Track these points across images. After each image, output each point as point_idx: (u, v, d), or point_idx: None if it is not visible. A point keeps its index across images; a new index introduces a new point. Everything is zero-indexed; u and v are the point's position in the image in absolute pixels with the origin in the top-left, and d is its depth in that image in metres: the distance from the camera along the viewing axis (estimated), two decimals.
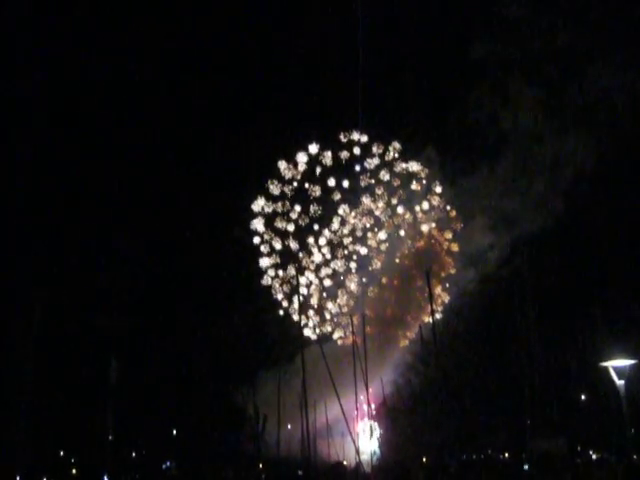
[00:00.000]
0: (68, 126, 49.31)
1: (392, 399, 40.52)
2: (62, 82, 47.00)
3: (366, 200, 51.03)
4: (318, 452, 38.12)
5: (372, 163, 51.19)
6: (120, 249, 44.93)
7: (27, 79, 43.37)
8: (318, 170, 51.20)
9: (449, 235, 50.41)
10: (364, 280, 51.01)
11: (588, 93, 37.42)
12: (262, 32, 53.95)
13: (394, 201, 51.05)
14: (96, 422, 35.02)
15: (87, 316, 41.14)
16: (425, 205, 50.78)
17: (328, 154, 51.17)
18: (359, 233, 51.41)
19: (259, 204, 51.12)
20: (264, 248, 51.13)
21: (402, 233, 51.01)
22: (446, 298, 49.52)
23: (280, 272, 51.03)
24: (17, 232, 41.57)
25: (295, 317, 48.16)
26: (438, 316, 41.94)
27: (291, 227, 51.09)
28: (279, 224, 51.12)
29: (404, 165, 51.21)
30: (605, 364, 15.99)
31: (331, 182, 50.94)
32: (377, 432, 38.46)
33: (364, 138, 51.20)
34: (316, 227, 51.10)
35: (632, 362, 15.83)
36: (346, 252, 51.29)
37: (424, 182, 51.01)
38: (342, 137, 51.23)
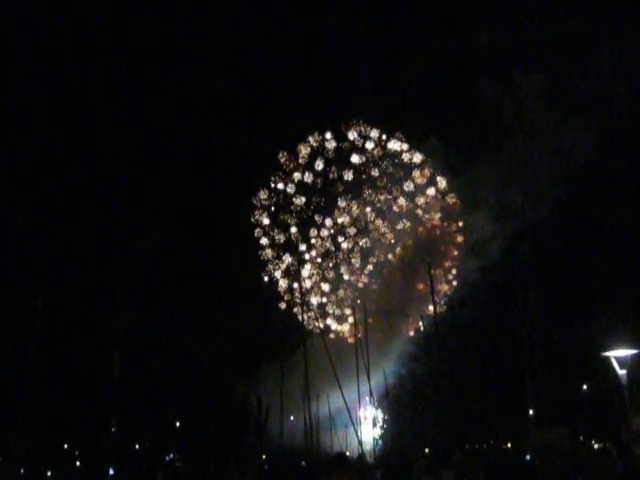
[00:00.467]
0: (68, 123, 49.27)
1: (395, 390, 40.62)
2: (62, 82, 46.93)
3: (368, 191, 50.98)
4: (321, 443, 38.24)
5: (375, 154, 51.10)
6: (123, 244, 44.98)
7: (27, 79, 43.33)
8: (320, 163, 51.12)
9: (453, 226, 50.35)
10: (366, 271, 51.03)
11: (592, 81, 37.14)
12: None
13: (396, 192, 50.99)
14: (99, 415, 35.17)
15: (90, 310, 41.26)
16: (429, 194, 50.65)
17: (330, 145, 51.08)
18: (361, 224, 51.39)
19: (261, 197, 51.14)
20: (265, 240, 51.14)
21: (404, 224, 50.96)
22: (448, 289, 49.56)
23: (282, 265, 51.09)
24: (18, 230, 41.64)
25: (297, 309, 48.21)
26: (440, 308, 42.01)
27: (293, 220, 51.11)
28: (281, 216, 51.14)
29: (407, 155, 51.07)
30: (607, 354, 15.96)
31: (332, 173, 50.93)
32: (380, 422, 38.59)
33: (374, 133, 50.88)
34: (317, 218, 51.12)
35: (634, 352, 15.80)
36: (348, 245, 51.28)
37: (427, 172, 50.90)
38: (345, 130, 51.17)
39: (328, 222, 51.28)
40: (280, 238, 51.33)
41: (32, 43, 44.31)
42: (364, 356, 29.57)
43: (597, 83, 36.66)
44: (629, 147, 37.69)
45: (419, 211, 50.98)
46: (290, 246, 51.36)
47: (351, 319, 45.24)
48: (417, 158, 50.97)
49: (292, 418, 40.23)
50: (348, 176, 50.93)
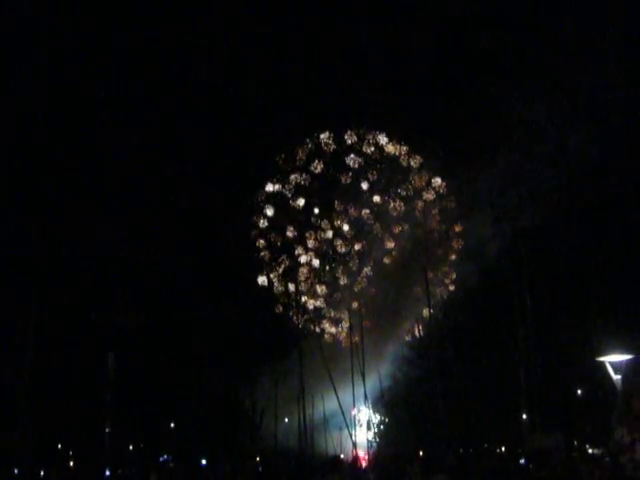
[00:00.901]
0: (68, 123, 49.14)
1: (390, 392, 40.59)
2: (62, 82, 46.82)
3: (366, 194, 50.97)
4: (315, 446, 38.20)
5: (372, 156, 51.13)
6: (116, 244, 44.86)
7: (27, 79, 43.27)
8: (317, 165, 51.13)
9: (451, 230, 50.27)
10: (362, 275, 50.98)
11: (594, 84, 37.09)
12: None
13: (394, 195, 50.97)
14: (94, 415, 35.08)
15: (84, 311, 41.13)
16: (426, 197, 50.60)
17: (328, 147, 51.12)
18: (359, 227, 51.35)
19: (259, 198, 51.14)
20: (262, 242, 51.11)
21: (402, 227, 50.93)
22: (444, 292, 49.53)
23: (279, 267, 51.03)
24: (17, 229, 41.54)
25: (292, 311, 48.17)
26: (436, 311, 41.98)
27: (290, 224, 51.07)
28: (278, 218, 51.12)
29: (406, 157, 51.06)
30: (602, 359, 15.93)
31: (330, 176, 50.94)
32: (374, 424, 38.55)
33: (373, 136, 50.85)
34: (314, 221, 51.09)
35: (629, 357, 15.78)
36: (345, 248, 51.26)
37: (425, 175, 50.88)
38: (344, 132, 51.20)
39: (325, 225, 51.25)
40: (277, 240, 51.30)
41: (32, 43, 44.26)
42: (359, 359, 29.63)
43: (597, 83, 36.60)
44: (629, 147, 37.59)
45: (417, 214, 50.92)
46: (287, 248, 51.31)
47: (347, 322, 45.21)
48: (415, 161, 50.97)
49: (287, 420, 40.19)
50: (346, 179, 50.93)
